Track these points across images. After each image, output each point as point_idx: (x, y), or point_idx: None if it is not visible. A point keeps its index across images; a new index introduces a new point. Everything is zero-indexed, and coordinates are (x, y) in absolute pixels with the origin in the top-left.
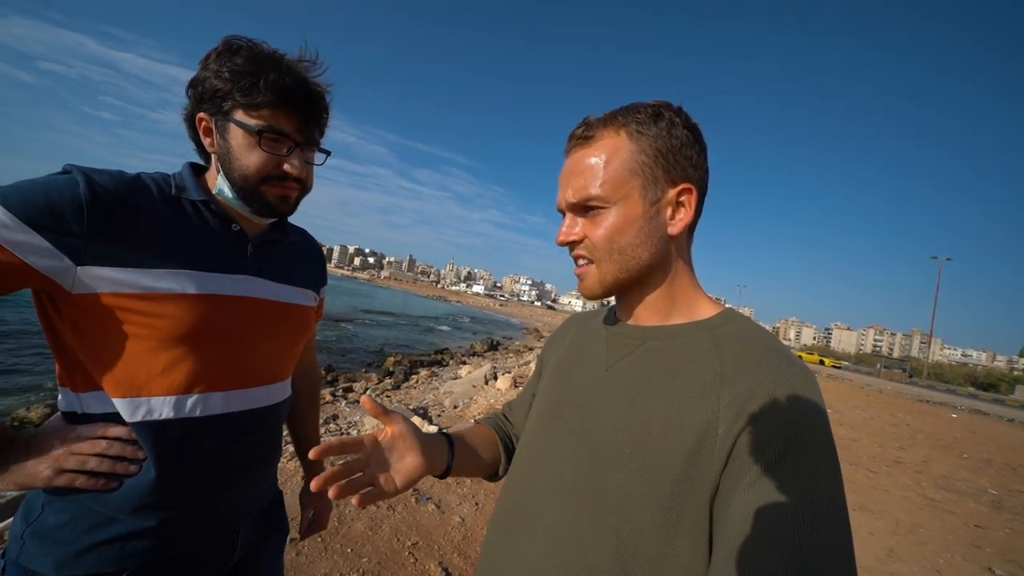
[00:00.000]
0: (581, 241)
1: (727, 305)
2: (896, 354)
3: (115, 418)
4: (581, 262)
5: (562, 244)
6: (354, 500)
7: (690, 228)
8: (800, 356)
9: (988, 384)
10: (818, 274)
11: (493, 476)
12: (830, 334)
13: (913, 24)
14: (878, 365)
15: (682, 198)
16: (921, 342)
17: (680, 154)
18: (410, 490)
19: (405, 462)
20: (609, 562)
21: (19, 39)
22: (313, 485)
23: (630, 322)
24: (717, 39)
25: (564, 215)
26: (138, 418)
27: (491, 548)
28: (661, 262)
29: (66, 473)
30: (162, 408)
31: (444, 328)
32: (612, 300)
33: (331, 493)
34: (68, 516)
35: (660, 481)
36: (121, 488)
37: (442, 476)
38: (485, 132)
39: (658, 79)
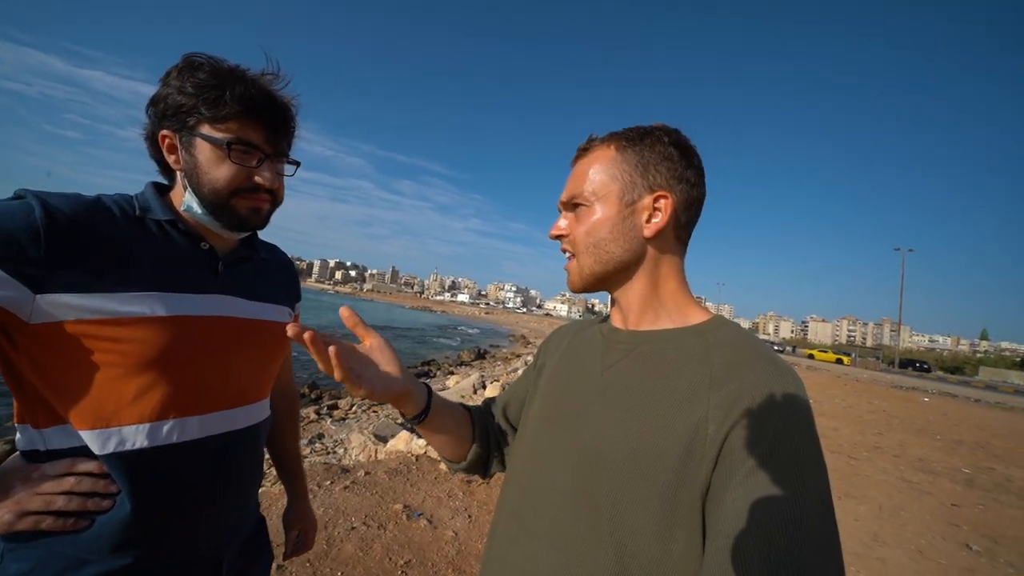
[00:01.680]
0: (567, 236)
1: (715, 312)
2: (869, 343)
3: (83, 452)
4: (567, 257)
5: (552, 237)
6: (331, 350)
7: (677, 235)
8: (813, 354)
9: (955, 367)
10: (793, 270)
11: (457, 460)
12: (807, 327)
13: (873, 10)
14: (853, 354)
15: (658, 204)
16: (891, 330)
17: (661, 166)
18: (401, 507)
19: (385, 371)
20: (608, 564)
21: None
22: (289, 329)
23: (623, 327)
24: (671, 30)
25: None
26: (109, 449)
27: (492, 553)
28: (635, 261)
29: (29, 516)
30: (135, 437)
31: (437, 339)
32: (607, 308)
33: (307, 335)
34: (31, 563)
35: (653, 483)
36: (93, 526)
37: (417, 419)
38: (464, 141)
39: (643, 81)
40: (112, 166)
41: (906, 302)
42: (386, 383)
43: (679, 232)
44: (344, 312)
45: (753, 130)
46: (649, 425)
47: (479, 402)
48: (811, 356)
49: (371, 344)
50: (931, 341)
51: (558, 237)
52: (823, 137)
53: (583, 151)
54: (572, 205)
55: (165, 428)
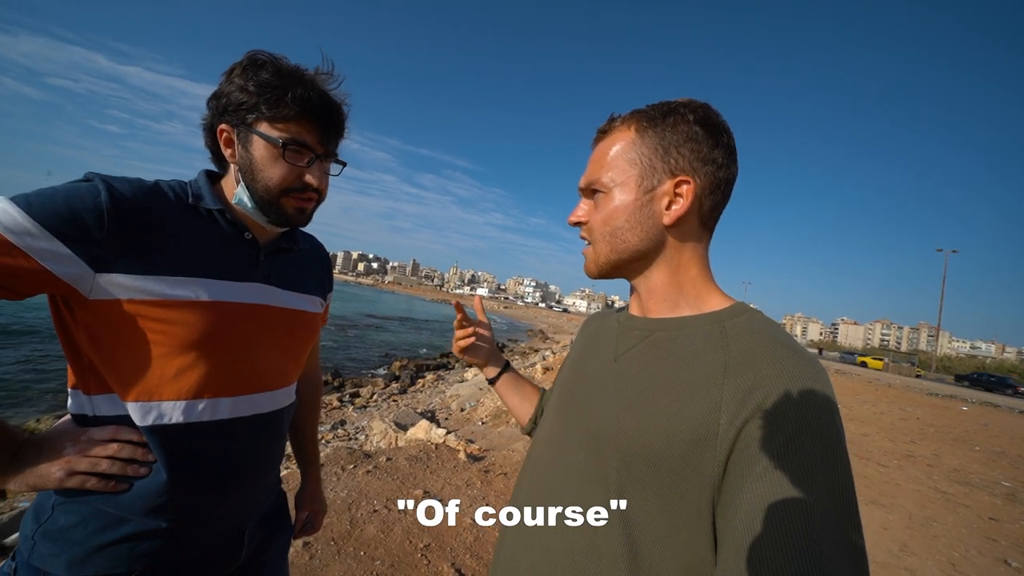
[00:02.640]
0: (586, 223)
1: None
2: (904, 348)
3: (126, 421)
4: (584, 244)
5: (571, 224)
6: (471, 329)
7: (701, 221)
8: (866, 362)
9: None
10: (823, 269)
11: (522, 426)
12: (837, 329)
13: (921, 17)
14: (886, 359)
15: (679, 190)
16: (929, 335)
17: (684, 147)
18: (421, 492)
19: (484, 345)
20: (618, 545)
21: (27, 56)
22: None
23: (639, 314)
24: (720, 33)
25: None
26: (149, 422)
27: (508, 528)
28: (653, 249)
29: (77, 475)
30: (172, 412)
31: (449, 331)
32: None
33: (459, 316)
34: (79, 517)
35: (662, 468)
36: (131, 490)
37: (492, 381)
38: (486, 135)
39: (663, 77)
40: (149, 159)
41: (946, 305)
42: (479, 352)
43: (704, 217)
44: (477, 301)
45: (787, 124)
46: (660, 410)
47: (495, 396)
48: (863, 364)
49: (484, 323)
50: (973, 348)
51: (577, 224)
52: (861, 130)
53: (603, 133)
54: (591, 191)
55: (200, 406)
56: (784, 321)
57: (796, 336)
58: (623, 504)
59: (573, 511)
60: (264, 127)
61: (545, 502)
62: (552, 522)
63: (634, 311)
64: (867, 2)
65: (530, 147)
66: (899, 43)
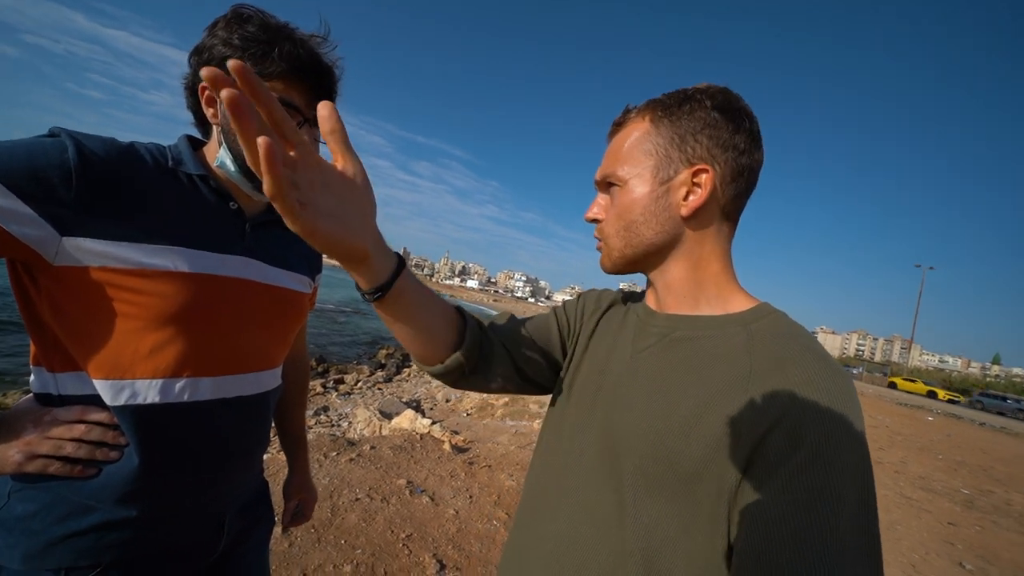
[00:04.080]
0: (602, 220)
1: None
2: (878, 358)
3: (95, 401)
4: (598, 241)
5: (587, 220)
6: (262, 140)
7: (724, 212)
8: (895, 383)
9: (962, 389)
10: (804, 277)
11: (429, 361)
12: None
13: (903, 27)
14: (859, 369)
15: (697, 179)
16: (902, 347)
17: (702, 135)
18: (404, 482)
19: (345, 209)
20: (630, 549)
21: (1, 9)
22: (230, 63)
23: (658, 309)
24: (705, 39)
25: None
26: (121, 401)
27: (519, 523)
28: (670, 242)
29: (39, 459)
30: (147, 392)
31: None
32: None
33: (226, 82)
34: (38, 505)
35: (679, 473)
36: (100, 475)
37: (374, 295)
38: (485, 126)
39: (658, 78)
40: (134, 128)
41: (920, 320)
42: (339, 225)
43: (725, 208)
44: (323, 109)
45: (767, 131)
46: (680, 414)
47: None
48: (892, 385)
49: (343, 168)
50: (941, 361)
51: (594, 220)
52: (843, 144)
53: (618, 125)
54: (606, 185)
55: (177, 386)
56: None
57: None
58: (637, 505)
59: (587, 508)
60: None
61: (558, 495)
62: (563, 520)
63: (652, 304)
64: (846, 10)
65: (529, 143)
66: (886, 53)
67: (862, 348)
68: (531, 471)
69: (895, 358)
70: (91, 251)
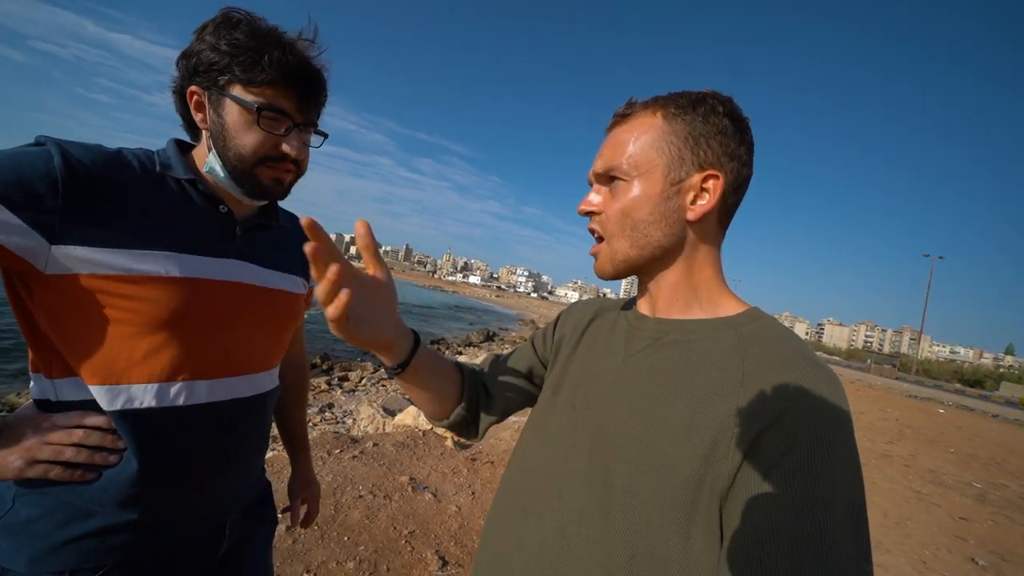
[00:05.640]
0: (599, 214)
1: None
2: (887, 350)
3: (93, 406)
4: (595, 238)
5: (582, 213)
6: (334, 268)
7: (719, 219)
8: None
9: (975, 380)
10: (811, 269)
11: (439, 417)
12: (822, 329)
13: (909, 10)
14: (868, 361)
15: (707, 184)
16: (911, 339)
17: (714, 140)
18: (407, 479)
19: (377, 314)
20: (618, 556)
21: (8, 15)
22: (303, 220)
23: (650, 314)
24: (708, 21)
25: (591, 187)
26: (117, 406)
27: (494, 527)
28: (675, 246)
29: (39, 464)
30: (143, 396)
31: (447, 319)
32: (633, 288)
33: (313, 242)
34: (42, 510)
35: (671, 479)
36: (100, 480)
37: (395, 371)
38: (486, 122)
39: (658, 67)
40: (138, 130)
41: (929, 310)
42: (374, 329)
43: (723, 216)
44: (360, 227)
45: (773, 122)
46: (672, 418)
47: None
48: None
49: (376, 277)
50: (952, 352)
51: (589, 214)
52: (850, 134)
53: (622, 117)
54: (608, 178)
55: (173, 390)
56: None
57: None
58: (626, 510)
59: (574, 514)
60: (238, 90)
61: (543, 501)
62: (551, 522)
63: (643, 309)
64: None
65: (530, 137)
66: (896, 39)
67: (870, 340)
68: (508, 474)
69: (904, 349)
70: (81, 258)
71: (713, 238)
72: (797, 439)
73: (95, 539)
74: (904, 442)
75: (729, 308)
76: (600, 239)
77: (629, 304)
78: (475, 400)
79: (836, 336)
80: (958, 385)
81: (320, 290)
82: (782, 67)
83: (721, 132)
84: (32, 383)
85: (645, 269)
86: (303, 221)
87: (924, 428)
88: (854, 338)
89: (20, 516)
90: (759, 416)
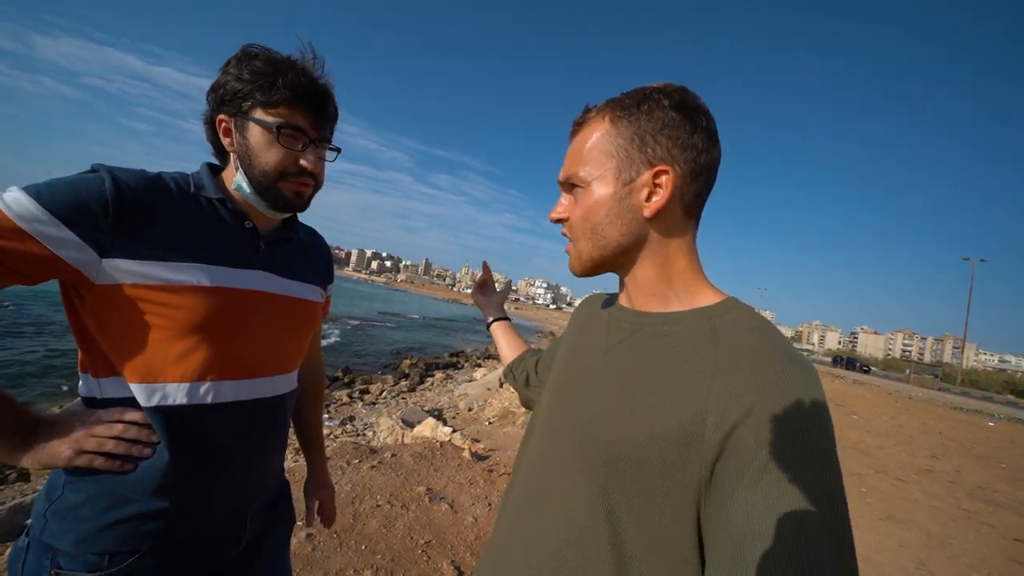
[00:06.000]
0: (567, 219)
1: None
2: (927, 359)
3: (131, 403)
4: (567, 241)
5: (551, 220)
6: (483, 275)
7: (686, 210)
8: None
9: None
10: (843, 276)
11: (504, 368)
12: (856, 338)
13: (944, 14)
14: (907, 371)
15: (659, 180)
16: (954, 347)
17: (661, 135)
18: (424, 489)
19: (492, 297)
20: (603, 542)
21: (65, 56)
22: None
23: (629, 307)
24: (737, 25)
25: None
26: (153, 403)
27: (502, 520)
28: (636, 243)
29: (85, 454)
30: (176, 394)
31: (466, 332)
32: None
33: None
34: (86, 496)
35: (645, 466)
36: (136, 470)
37: (489, 323)
38: (502, 136)
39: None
40: (175, 156)
41: (973, 317)
42: (489, 301)
43: (687, 207)
44: (485, 264)
45: (804, 121)
46: (645, 408)
47: (504, 395)
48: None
49: (488, 284)
50: (1002, 361)
51: (559, 220)
52: (879, 135)
53: (578, 125)
54: (569, 186)
55: (202, 389)
56: (801, 328)
57: (813, 345)
58: (608, 499)
59: (562, 504)
60: (259, 113)
61: (537, 493)
62: (543, 513)
63: (624, 303)
64: None
65: (546, 148)
66: (929, 38)
67: (908, 348)
68: (515, 468)
69: (947, 359)
70: (126, 270)
71: (679, 230)
72: (770, 431)
73: (131, 524)
74: (949, 457)
75: (706, 299)
76: (571, 241)
77: (612, 298)
78: (519, 365)
79: (871, 345)
80: (1010, 396)
81: (478, 279)
82: (806, 63)
83: (668, 125)
84: (80, 382)
85: (613, 266)
86: (484, 263)
87: (971, 442)
88: (891, 347)
89: (68, 501)
90: (731, 408)
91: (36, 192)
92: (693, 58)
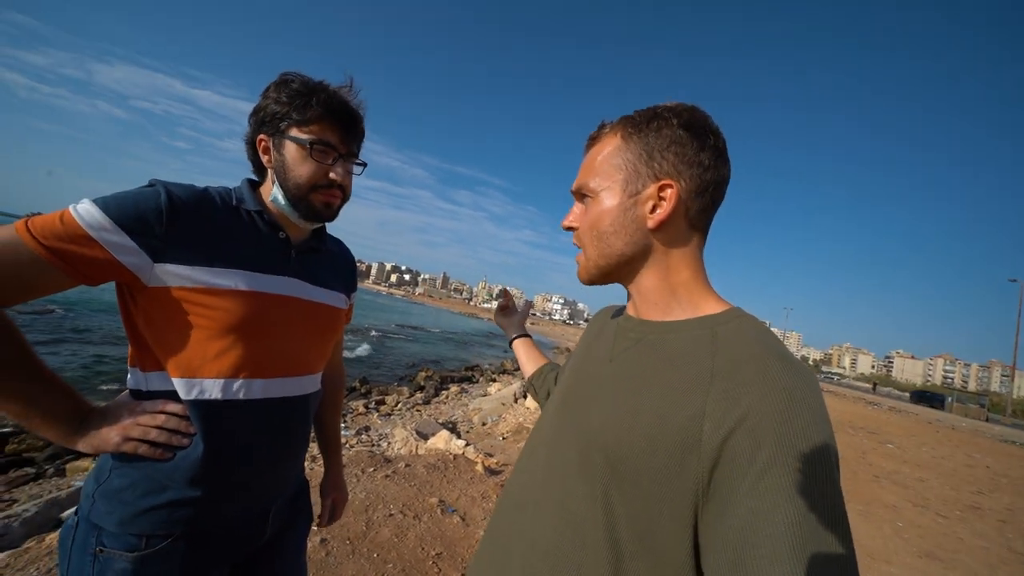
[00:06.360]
0: (577, 228)
1: (735, 305)
2: (972, 387)
3: (173, 396)
4: (577, 249)
5: (563, 228)
6: (504, 300)
7: (691, 223)
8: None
9: None
10: (876, 297)
11: (525, 380)
12: (891, 362)
13: (990, 32)
14: (949, 399)
15: (663, 193)
16: (1003, 375)
17: (668, 152)
18: (436, 500)
19: (513, 318)
20: (601, 540)
21: (118, 81)
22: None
23: (635, 316)
24: (772, 39)
25: None
26: (192, 396)
27: (500, 514)
28: (640, 253)
29: (131, 441)
30: (212, 389)
31: (482, 346)
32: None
33: (503, 292)
34: (129, 480)
35: (643, 470)
36: (174, 459)
37: (511, 341)
38: (522, 154)
39: (708, 86)
40: (211, 172)
41: (1022, 342)
42: (510, 321)
43: (692, 220)
44: (506, 291)
45: (837, 140)
46: (644, 413)
47: (519, 410)
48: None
49: (508, 307)
50: None
51: (570, 228)
52: (925, 151)
53: (592, 139)
54: (580, 195)
55: (235, 385)
56: (830, 351)
57: (843, 369)
58: (608, 502)
59: (563, 504)
60: (294, 131)
61: (539, 494)
62: (543, 513)
63: (631, 312)
64: (952, 6)
65: (564, 163)
66: (971, 59)
67: (951, 375)
68: (517, 468)
69: (995, 387)
70: (175, 274)
71: (683, 242)
72: (762, 440)
73: (167, 510)
74: (999, 493)
75: (709, 308)
76: (580, 249)
77: (620, 309)
78: (539, 379)
79: (908, 370)
80: None
81: (499, 304)
82: (840, 80)
83: (675, 143)
84: (129, 375)
85: (618, 275)
86: (504, 289)
87: None
88: (930, 373)
89: (114, 484)
90: (728, 415)
91: (103, 204)
92: (726, 77)
